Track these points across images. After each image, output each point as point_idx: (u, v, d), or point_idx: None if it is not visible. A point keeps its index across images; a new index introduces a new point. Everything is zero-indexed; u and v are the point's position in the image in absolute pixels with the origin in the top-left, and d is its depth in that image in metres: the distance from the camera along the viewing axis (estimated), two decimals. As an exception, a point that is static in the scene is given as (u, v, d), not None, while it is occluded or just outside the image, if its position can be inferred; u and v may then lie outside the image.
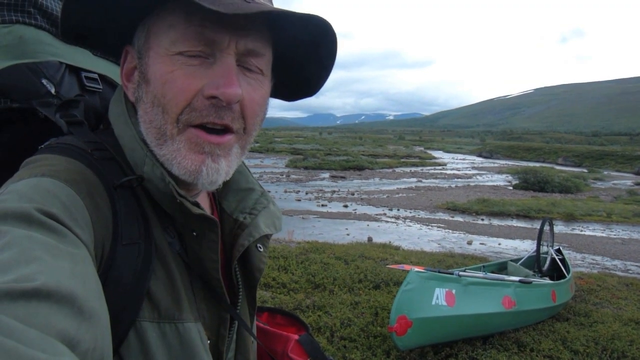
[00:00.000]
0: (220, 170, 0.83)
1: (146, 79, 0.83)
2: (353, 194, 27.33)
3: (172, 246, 0.85)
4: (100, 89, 1.13)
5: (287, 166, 42.32)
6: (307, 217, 19.69)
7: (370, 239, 14.72)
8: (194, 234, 0.86)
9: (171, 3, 0.80)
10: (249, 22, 0.81)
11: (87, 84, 1.11)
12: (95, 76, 1.14)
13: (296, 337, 1.17)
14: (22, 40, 1.04)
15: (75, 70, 1.11)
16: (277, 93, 1.03)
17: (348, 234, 16.24)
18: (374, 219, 20.14)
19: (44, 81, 1.02)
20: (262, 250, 1.02)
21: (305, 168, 40.87)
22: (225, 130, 0.83)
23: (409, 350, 5.35)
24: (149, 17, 0.84)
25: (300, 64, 0.97)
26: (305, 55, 0.93)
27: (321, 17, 0.81)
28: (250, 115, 0.85)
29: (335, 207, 22.59)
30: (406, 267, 6.76)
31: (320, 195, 26.36)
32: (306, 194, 26.52)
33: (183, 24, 0.79)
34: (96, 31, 0.89)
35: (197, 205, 0.84)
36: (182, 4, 0.77)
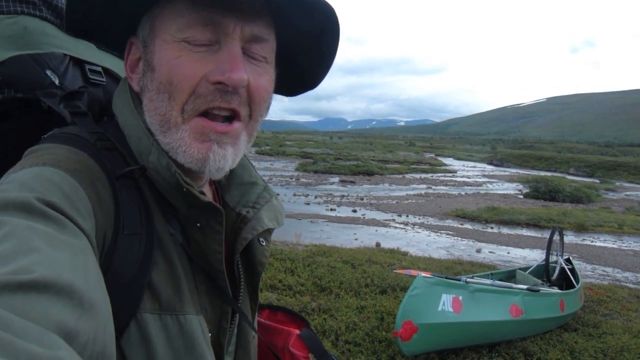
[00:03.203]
0: (227, 157, 0.84)
1: (151, 67, 0.83)
2: (362, 199, 27.30)
3: (175, 238, 0.85)
4: (103, 81, 1.13)
5: (297, 169, 42.40)
6: (316, 220, 19.69)
7: (378, 244, 14.69)
8: (198, 225, 0.85)
9: None
10: (254, 8, 0.82)
11: (91, 76, 1.12)
12: (99, 69, 1.15)
13: (297, 331, 1.17)
14: (26, 31, 1.04)
15: (79, 63, 1.11)
16: (278, 88, 1.01)
17: (356, 239, 16.21)
18: (383, 224, 20.09)
19: (48, 72, 1.03)
20: (264, 244, 1.01)
21: (315, 172, 40.90)
22: (232, 117, 0.84)
23: (413, 355, 5.34)
24: (154, 7, 0.84)
25: (302, 54, 0.97)
26: (307, 44, 0.93)
27: (325, 2, 0.81)
28: (256, 101, 0.86)
29: (344, 212, 22.57)
30: (413, 272, 6.73)
31: (329, 199, 26.35)
32: (315, 197, 26.52)
33: (189, 10, 0.79)
34: (100, 24, 0.90)
35: (203, 194, 0.84)
36: None
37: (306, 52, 0.96)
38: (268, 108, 0.92)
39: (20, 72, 1.00)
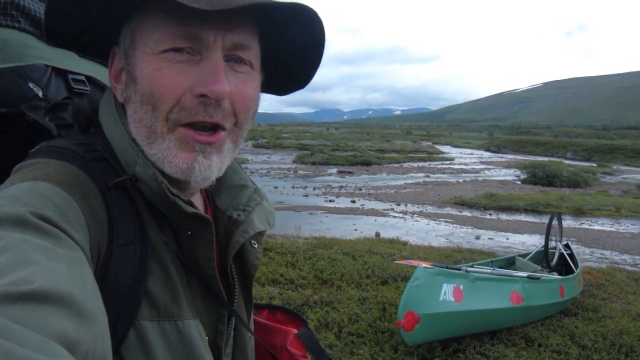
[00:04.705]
0: (212, 166, 0.84)
1: (134, 79, 0.83)
2: (361, 189, 27.31)
3: (168, 245, 0.85)
4: (87, 90, 1.12)
5: (294, 162, 42.32)
6: (315, 212, 19.69)
7: (378, 234, 14.72)
8: (189, 232, 0.86)
9: (153, 3, 0.80)
10: (235, 16, 0.81)
11: (74, 86, 1.10)
12: (82, 78, 1.13)
13: (295, 331, 1.17)
14: (6, 43, 1.03)
15: (61, 73, 1.10)
16: (268, 88, 1.02)
17: (356, 229, 16.23)
18: (382, 214, 20.12)
19: (31, 85, 1.01)
20: (256, 246, 1.01)
21: (313, 163, 40.82)
22: (215, 127, 0.83)
23: (416, 345, 5.37)
24: (133, 18, 0.84)
25: (289, 56, 0.96)
26: (293, 46, 0.93)
27: (307, 6, 0.81)
28: (241, 110, 0.85)
29: (343, 203, 22.58)
30: (414, 262, 6.77)
31: (327, 190, 26.35)
32: (314, 189, 26.50)
33: (167, 23, 0.78)
34: (81, 34, 0.89)
35: (190, 204, 0.84)
36: (164, 3, 0.77)
37: (293, 53, 0.96)
38: (254, 114, 0.92)
39: (3, 86, 0.99)
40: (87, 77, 1.14)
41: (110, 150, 0.87)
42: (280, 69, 0.99)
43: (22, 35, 1.06)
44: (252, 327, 1.10)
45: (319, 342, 1.18)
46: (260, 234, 1.03)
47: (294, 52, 0.95)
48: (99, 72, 1.17)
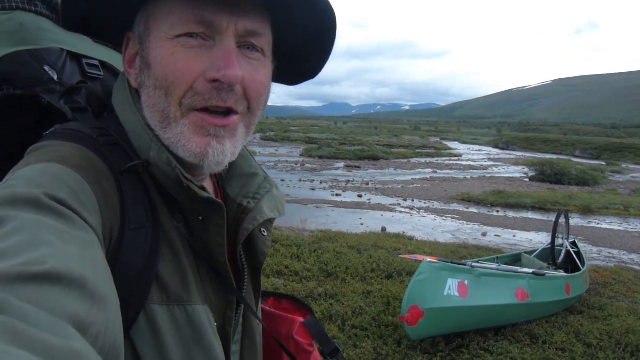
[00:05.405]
0: (225, 151, 0.84)
1: (148, 64, 0.84)
2: (367, 184, 27.34)
3: (179, 230, 0.86)
4: (101, 75, 1.13)
5: (302, 155, 42.42)
6: (321, 206, 19.73)
7: (384, 229, 14.72)
8: (200, 218, 0.86)
9: None
10: (248, 3, 0.82)
11: (88, 70, 1.11)
12: (96, 63, 1.14)
13: (301, 319, 1.18)
14: (22, 26, 1.04)
15: (76, 57, 1.11)
16: (279, 78, 1.03)
17: (362, 224, 16.25)
18: (389, 209, 20.12)
19: (46, 68, 1.02)
20: (265, 234, 1.02)
21: (320, 157, 40.94)
22: (229, 112, 0.84)
23: (420, 340, 5.35)
24: (148, 3, 0.85)
25: (300, 44, 0.97)
26: (304, 34, 0.93)
27: (328, 2, 0.81)
28: (253, 96, 0.86)
29: (350, 197, 22.62)
30: (419, 257, 6.75)
31: (334, 184, 26.40)
32: (321, 183, 26.56)
33: (181, 8, 0.79)
34: (97, 19, 0.90)
35: (203, 189, 0.84)
36: None
37: (307, 47, 0.97)
38: (266, 102, 0.93)
39: (18, 69, 1.00)
40: (100, 62, 1.16)
41: (124, 135, 0.88)
42: (291, 58, 1.00)
43: (38, 19, 1.08)
44: (260, 314, 1.11)
45: (325, 330, 1.18)
46: (270, 221, 1.03)
47: (305, 39, 0.95)
48: (112, 58, 1.18)
